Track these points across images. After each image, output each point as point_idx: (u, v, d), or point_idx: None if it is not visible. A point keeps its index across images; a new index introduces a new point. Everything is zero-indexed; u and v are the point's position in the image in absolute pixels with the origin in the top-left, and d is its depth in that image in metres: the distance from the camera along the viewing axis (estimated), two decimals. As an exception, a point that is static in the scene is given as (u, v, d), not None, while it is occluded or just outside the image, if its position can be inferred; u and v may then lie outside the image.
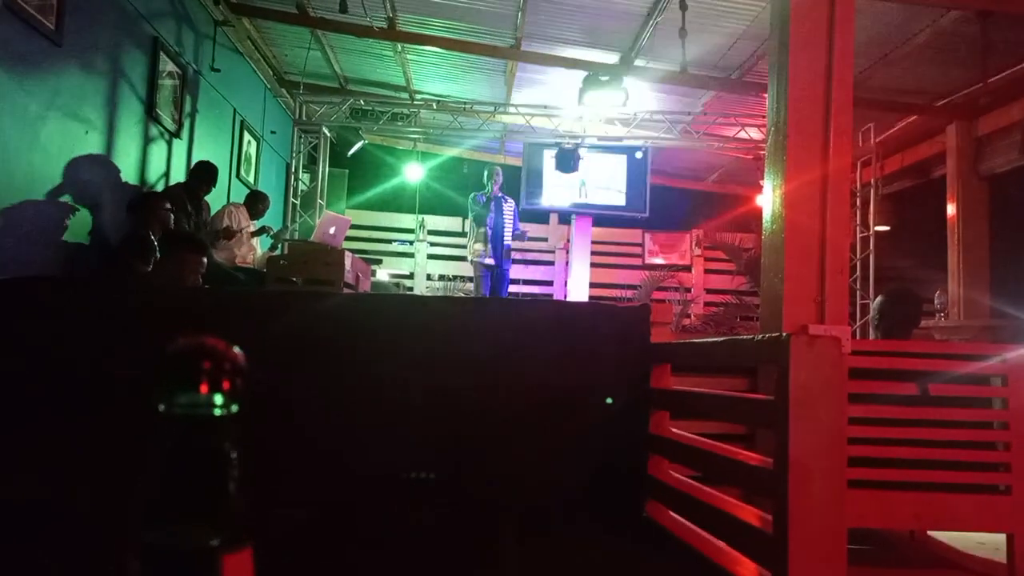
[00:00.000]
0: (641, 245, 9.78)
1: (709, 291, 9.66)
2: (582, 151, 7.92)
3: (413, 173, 9.28)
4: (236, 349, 0.53)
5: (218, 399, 0.51)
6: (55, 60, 3.83)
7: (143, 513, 0.50)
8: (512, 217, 7.02)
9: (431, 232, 9.39)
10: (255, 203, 5.84)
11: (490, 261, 6.85)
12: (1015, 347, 2.20)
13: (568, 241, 9.21)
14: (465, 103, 7.99)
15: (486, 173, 7.00)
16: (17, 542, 1.27)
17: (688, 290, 9.58)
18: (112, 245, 4.48)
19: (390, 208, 9.48)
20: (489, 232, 6.83)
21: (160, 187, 5.20)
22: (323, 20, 6.36)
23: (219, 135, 6.39)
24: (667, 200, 9.25)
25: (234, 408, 0.52)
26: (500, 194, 6.95)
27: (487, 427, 1.56)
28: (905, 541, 2.72)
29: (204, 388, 0.50)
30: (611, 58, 6.77)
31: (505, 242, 6.96)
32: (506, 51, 6.72)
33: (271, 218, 7.16)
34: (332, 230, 5.48)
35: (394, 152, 9.61)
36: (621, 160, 8.23)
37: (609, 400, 1.58)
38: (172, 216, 4.55)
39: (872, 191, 7.71)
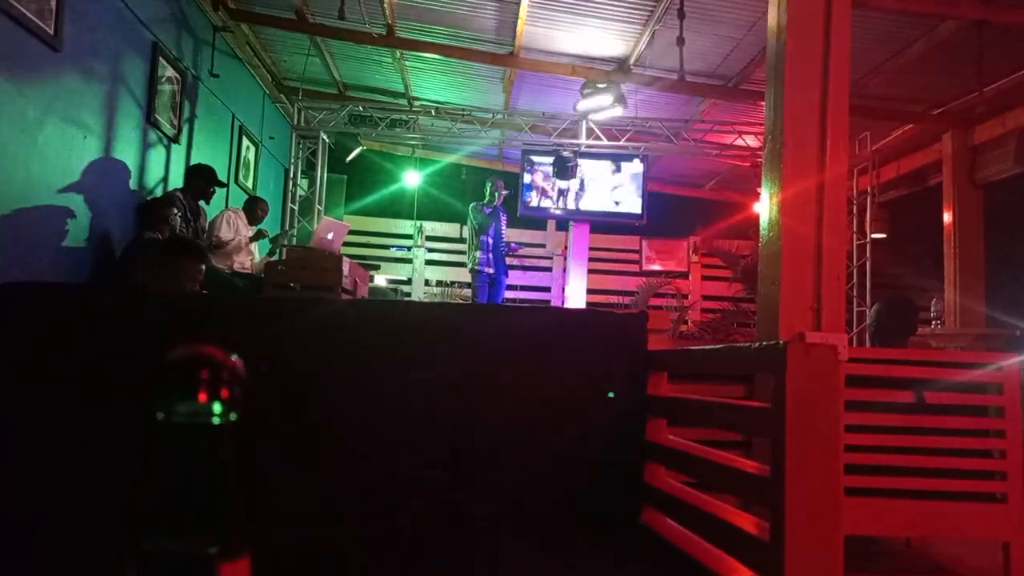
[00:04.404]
0: (639, 252, 9.80)
1: (706, 298, 9.68)
2: (580, 158, 7.95)
3: (411, 179, 9.30)
4: (234, 357, 0.53)
5: (216, 407, 0.51)
6: (54, 65, 3.84)
7: (141, 521, 0.50)
8: (505, 227, 7.16)
9: (429, 238, 9.41)
10: (254, 208, 5.84)
11: (490, 270, 6.91)
12: (1011, 356, 2.21)
13: (566, 247, 9.22)
14: (463, 110, 8.02)
15: (489, 185, 7.07)
16: (13, 551, 1.27)
17: (685, 297, 9.59)
18: (111, 250, 4.49)
19: (388, 214, 9.49)
20: (490, 242, 6.89)
21: (159, 192, 5.20)
22: (322, 26, 6.38)
23: (218, 141, 6.40)
24: (664, 207, 9.28)
25: (232, 416, 0.52)
26: (501, 206, 7.09)
27: (482, 434, 1.56)
28: (902, 548, 2.73)
29: (203, 397, 0.51)
30: (609, 66, 6.79)
31: (503, 252, 7.06)
32: (504, 58, 6.75)
33: (270, 224, 7.17)
34: (330, 235, 5.48)
35: (392, 158, 9.63)
36: (619, 167, 8.25)
37: (611, 394, 1.58)
38: (178, 221, 4.58)
39: (868, 199, 7.74)
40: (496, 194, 6.99)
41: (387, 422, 1.53)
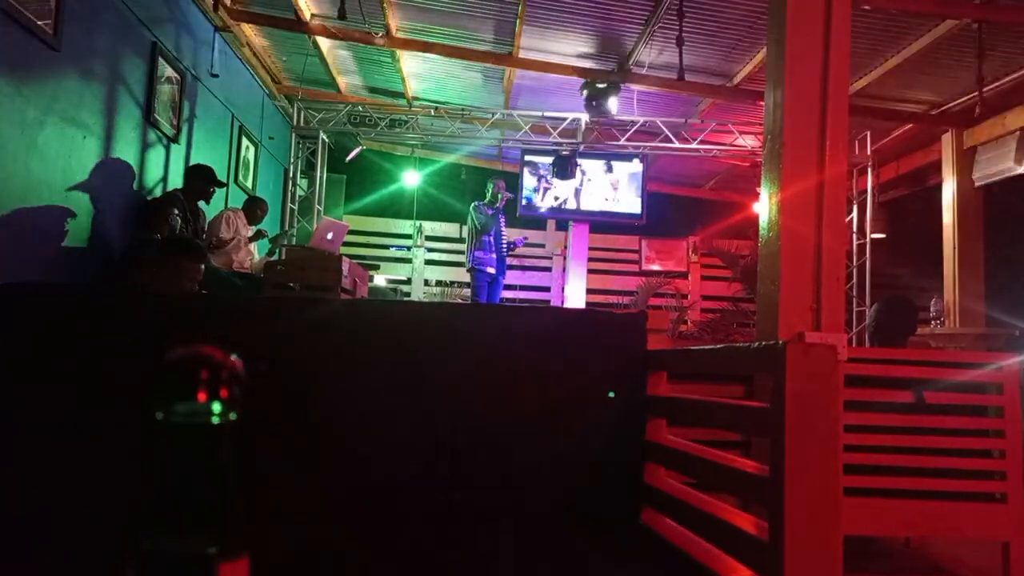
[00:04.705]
0: (638, 252, 9.79)
1: (706, 298, 9.68)
2: (579, 158, 7.95)
3: (411, 179, 9.30)
4: (234, 357, 0.53)
5: (216, 407, 0.51)
6: (53, 65, 3.84)
7: (140, 522, 0.50)
8: (504, 229, 7.20)
9: (429, 238, 9.41)
10: (253, 209, 5.84)
11: (492, 270, 6.92)
12: (1010, 356, 2.21)
13: (565, 247, 9.22)
14: (463, 110, 8.02)
15: (492, 185, 7.12)
16: (13, 551, 1.27)
17: (685, 297, 9.59)
18: (111, 250, 4.49)
19: (388, 214, 9.49)
20: (492, 242, 6.91)
21: (158, 192, 5.20)
22: (322, 27, 6.38)
23: (217, 141, 6.39)
24: (664, 207, 9.28)
25: (232, 416, 0.52)
26: (502, 207, 7.15)
27: (481, 435, 1.56)
28: (901, 548, 2.73)
29: (202, 396, 0.51)
30: (608, 65, 6.79)
31: (503, 252, 7.09)
32: (504, 58, 6.75)
33: (269, 224, 7.16)
34: (330, 236, 5.48)
35: (392, 158, 9.63)
36: (618, 167, 8.25)
37: (611, 394, 1.58)
38: (179, 221, 4.58)
39: (868, 199, 7.75)
40: (499, 196, 7.05)
41: (387, 422, 1.53)
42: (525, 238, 7.79)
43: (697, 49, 6.05)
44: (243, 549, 0.51)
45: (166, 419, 0.51)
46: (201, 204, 5.19)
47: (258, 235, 5.79)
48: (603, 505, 1.56)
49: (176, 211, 4.65)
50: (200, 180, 5.11)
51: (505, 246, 7.11)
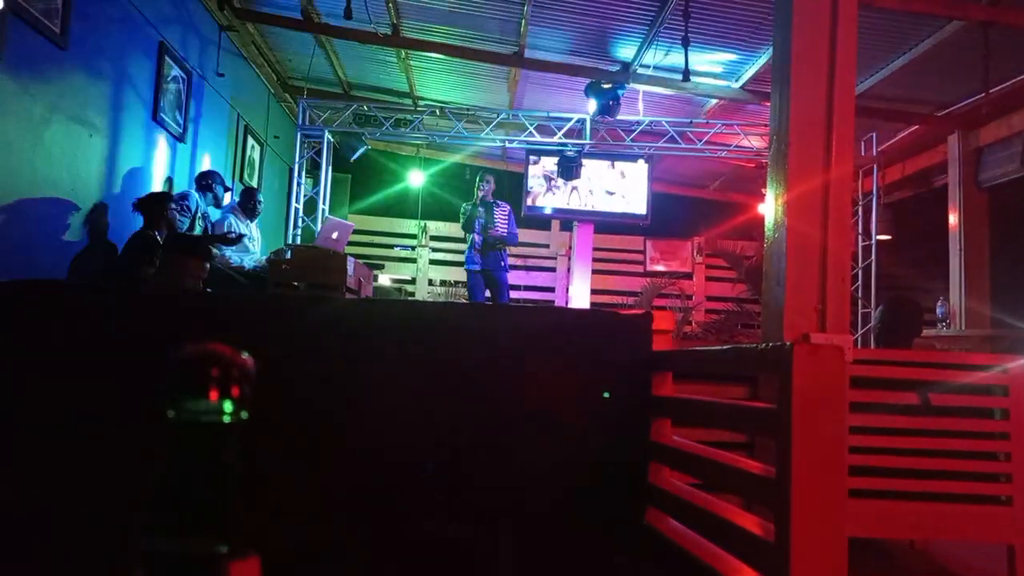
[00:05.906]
0: (643, 252, 9.78)
1: (710, 298, 9.66)
2: (584, 158, 7.94)
3: (415, 179, 9.30)
4: (245, 355, 0.53)
5: (227, 406, 0.51)
6: (60, 64, 3.85)
7: (151, 519, 0.50)
8: (506, 221, 6.82)
9: (433, 238, 9.41)
10: (250, 199, 5.83)
11: (475, 267, 6.72)
12: (1016, 358, 2.20)
13: (570, 248, 9.21)
14: (468, 109, 8.01)
15: (477, 180, 6.91)
16: (20, 550, 1.27)
17: (689, 297, 9.57)
18: (116, 248, 4.50)
19: (392, 213, 9.49)
20: (478, 238, 6.73)
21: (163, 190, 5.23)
22: (327, 26, 6.39)
23: (223, 140, 6.41)
24: (669, 207, 9.26)
25: (243, 415, 0.51)
26: (492, 200, 6.82)
27: (486, 435, 1.56)
28: (905, 550, 2.72)
29: (214, 395, 0.50)
30: (614, 65, 6.78)
31: (494, 247, 6.75)
32: (509, 58, 6.74)
33: (272, 222, 7.18)
34: (335, 235, 5.48)
35: (397, 158, 9.63)
36: (623, 167, 8.24)
37: (606, 395, 1.58)
38: (178, 218, 4.59)
39: (874, 200, 7.72)
40: (478, 190, 6.74)
41: (387, 422, 1.53)
42: (514, 235, 7.02)
43: (703, 49, 6.04)
44: (253, 548, 0.51)
45: (178, 417, 0.50)
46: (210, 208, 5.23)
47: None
48: (605, 505, 1.56)
49: (175, 207, 4.64)
50: (222, 186, 5.21)
51: (494, 237, 6.66)
